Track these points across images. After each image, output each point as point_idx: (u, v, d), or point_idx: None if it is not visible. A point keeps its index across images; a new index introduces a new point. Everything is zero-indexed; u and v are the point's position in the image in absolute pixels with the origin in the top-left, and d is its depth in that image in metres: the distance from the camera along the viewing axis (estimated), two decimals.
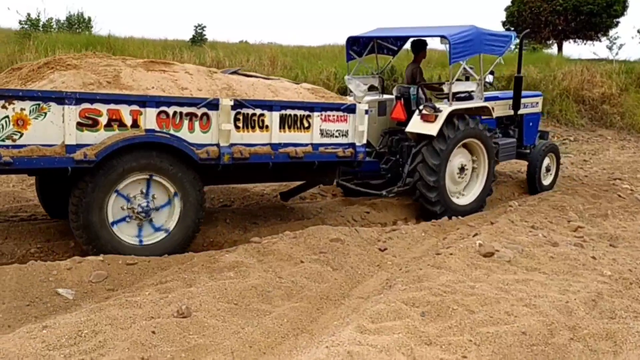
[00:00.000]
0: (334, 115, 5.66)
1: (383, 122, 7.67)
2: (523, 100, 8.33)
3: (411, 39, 7.82)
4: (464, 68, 7.11)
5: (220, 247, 5.47)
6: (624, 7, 35.11)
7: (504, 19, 39.33)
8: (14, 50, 13.61)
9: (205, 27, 21.50)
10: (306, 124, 5.46)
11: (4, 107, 4.03)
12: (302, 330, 3.61)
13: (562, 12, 34.58)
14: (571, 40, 38.20)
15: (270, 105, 5.25)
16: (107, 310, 3.41)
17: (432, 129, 6.56)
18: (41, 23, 20.21)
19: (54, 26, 20.77)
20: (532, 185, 8.34)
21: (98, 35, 19.77)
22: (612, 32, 35.09)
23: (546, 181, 8.50)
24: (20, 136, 4.14)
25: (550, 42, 38.87)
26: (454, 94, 6.98)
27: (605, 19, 34.80)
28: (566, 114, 16.30)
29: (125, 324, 3.29)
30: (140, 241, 4.88)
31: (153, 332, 3.21)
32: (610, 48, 25.88)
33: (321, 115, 5.56)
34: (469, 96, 7.38)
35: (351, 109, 5.79)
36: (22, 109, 4.10)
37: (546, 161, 8.42)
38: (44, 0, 29.16)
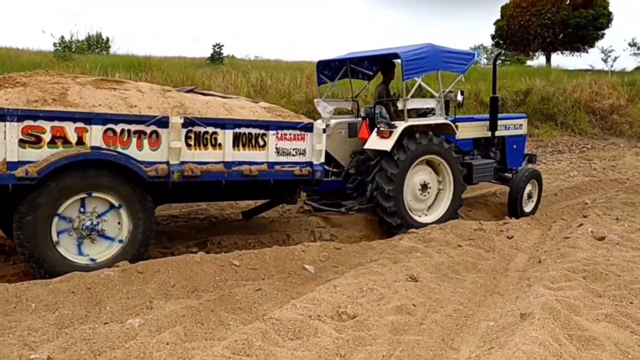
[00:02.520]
0: (290, 134, 5.65)
1: (353, 144, 7.70)
2: (505, 122, 8.33)
3: (383, 61, 7.86)
4: (420, 85, 7.21)
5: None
6: (609, 20, 36.99)
7: (493, 33, 41.33)
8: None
9: (223, 45, 22.28)
10: (261, 142, 5.44)
11: None
12: (492, 292, 4.69)
13: (551, 25, 36.08)
14: (559, 52, 40.23)
15: (223, 124, 5.22)
16: (365, 276, 4.49)
17: (387, 145, 6.61)
18: (74, 46, 21.03)
19: (73, 47, 21.45)
20: (513, 211, 8.06)
21: (134, 55, 20.72)
22: (599, 44, 36.98)
23: (527, 208, 8.25)
24: None
25: (537, 54, 40.83)
26: (412, 111, 7.11)
27: (592, 31, 36.71)
28: (579, 124, 17.67)
29: (384, 283, 4.35)
30: (92, 259, 4.80)
31: (405, 290, 4.28)
32: (605, 60, 27.53)
33: (277, 133, 5.54)
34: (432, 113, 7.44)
35: (308, 128, 5.77)
36: None
37: (528, 188, 8.19)
38: (77, 23, 29.62)
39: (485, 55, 57.60)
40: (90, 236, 4.76)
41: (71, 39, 21.71)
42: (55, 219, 4.56)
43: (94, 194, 4.71)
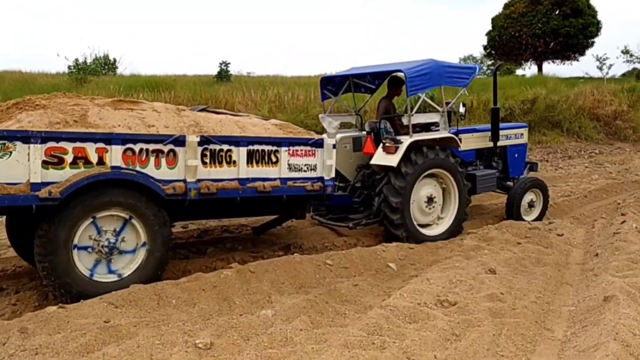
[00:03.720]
0: (301, 150, 5.69)
1: (358, 158, 7.77)
2: (506, 132, 8.37)
3: (390, 76, 7.97)
4: (424, 100, 7.34)
5: None
6: (598, 28, 38.20)
7: (485, 44, 42.38)
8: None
9: (229, 63, 22.54)
10: (274, 159, 5.50)
11: None
12: (561, 282, 5.26)
13: (542, 35, 37.24)
14: (550, 61, 41.35)
15: (237, 141, 5.27)
16: (450, 270, 5.03)
17: (393, 160, 6.68)
18: (90, 68, 21.43)
19: (88, 70, 21.71)
20: (510, 218, 7.98)
21: (148, 75, 21.21)
22: (590, 52, 38.06)
23: (529, 217, 8.16)
24: None
25: (529, 63, 41.90)
26: (416, 125, 7.16)
27: (582, 40, 37.87)
28: (585, 130, 18.43)
29: (469, 276, 4.88)
30: (121, 275, 4.85)
31: (489, 281, 4.82)
32: (600, 68, 28.49)
33: (289, 150, 5.58)
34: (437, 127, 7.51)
35: (319, 144, 5.82)
36: None
37: (529, 196, 8.18)
38: (90, 46, 29.92)
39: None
40: (110, 254, 4.77)
41: (85, 61, 22.08)
42: (76, 238, 4.58)
43: (114, 213, 4.74)
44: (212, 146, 5.12)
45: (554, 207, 8.95)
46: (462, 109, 7.70)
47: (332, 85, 8.24)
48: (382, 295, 4.89)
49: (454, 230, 7.21)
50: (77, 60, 21.93)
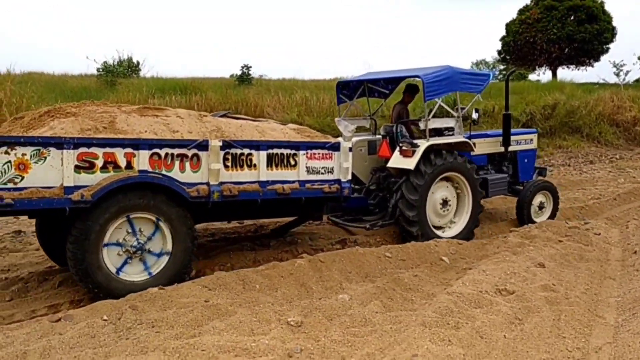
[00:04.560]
0: (319, 153, 5.85)
1: (373, 161, 7.95)
2: (516, 138, 8.55)
3: (406, 82, 8.29)
4: (440, 105, 7.52)
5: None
6: (613, 34, 38.40)
7: (500, 49, 42.68)
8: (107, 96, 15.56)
9: (251, 67, 22.87)
10: (292, 162, 5.66)
11: (6, 152, 4.29)
12: (605, 276, 5.67)
13: (556, 40, 37.56)
14: (564, 66, 41.59)
15: (257, 145, 5.45)
16: (502, 263, 5.45)
17: (410, 164, 6.86)
18: (118, 70, 21.92)
19: (116, 73, 22.12)
20: (521, 221, 8.26)
21: (166, 77, 21.71)
22: (605, 58, 38.24)
23: (540, 218, 8.32)
24: (21, 179, 4.36)
25: (543, 69, 42.14)
26: (431, 129, 7.30)
27: (597, 46, 38.12)
28: (604, 135, 18.74)
29: (521, 269, 5.31)
30: (151, 274, 5.06)
31: (541, 273, 5.24)
32: (617, 74, 28.74)
33: (307, 153, 5.75)
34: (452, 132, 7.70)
35: (335, 147, 5.98)
36: (23, 154, 4.34)
37: (539, 199, 8.35)
38: (118, 49, 30.21)
39: (487, 70, 58.96)
40: (138, 254, 4.99)
41: (114, 64, 22.59)
42: (106, 238, 4.81)
43: (142, 215, 4.95)
44: (233, 150, 5.32)
45: (585, 209, 9.33)
46: (475, 115, 7.88)
47: (347, 89, 8.50)
48: (441, 285, 5.32)
49: (466, 235, 7.34)
50: (105, 63, 22.48)
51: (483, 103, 19.50)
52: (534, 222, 8.08)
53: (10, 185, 4.31)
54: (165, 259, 5.10)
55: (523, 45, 38.91)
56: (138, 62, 25.49)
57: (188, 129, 5.30)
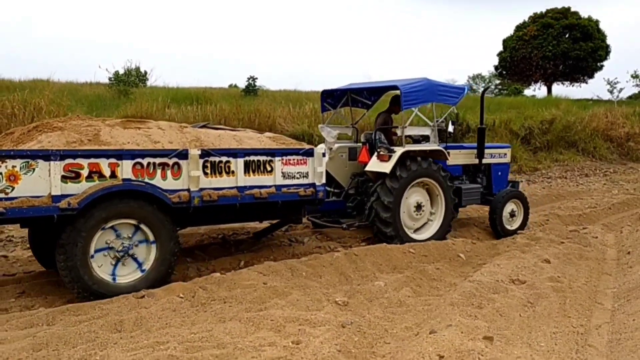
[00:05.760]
0: (294, 159, 6.14)
1: (353, 166, 8.28)
2: (490, 151, 8.94)
3: (393, 94, 8.55)
4: (418, 115, 7.88)
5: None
6: (607, 52, 39.55)
7: (496, 64, 43.75)
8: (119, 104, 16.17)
9: (257, 78, 23.58)
10: (269, 168, 5.96)
11: None
12: (602, 272, 6.43)
13: (552, 57, 38.69)
14: (559, 82, 42.70)
15: (235, 153, 5.74)
16: (512, 259, 6.22)
17: (386, 167, 7.24)
18: (131, 79, 22.54)
19: (128, 82, 22.67)
20: (494, 228, 8.65)
21: (171, 87, 22.35)
22: (598, 75, 39.30)
23: (512, 225, 8.72)
24: (12, 190, 4.60)
25: (538, 84, 43.23)
26: (409, 138, 7.78)
27: (591, 63, 39.26)
28: (599, 150, 19.62)
29: (529, 264, 6.07)
30: (114, 278, 5.20)
31: (547, 268, 6.01)
32: (611, 92, 29.74)
33: (282, 159, 6.05)
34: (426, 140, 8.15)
35: (309, 153, 6.28)
36: (13, 166, 4.59)
37: (510, 207, 8.69)
38: (131, 60, 30.57)
39: (483, 84, 60.26)
40: (124, 257, 5.23)
41: (125, 73, 23.21)
42: (94, 243, 5.04)
43: (126, 221, 5.20)
44: (212, 158, 5.61)
45: (583, 216, 10.14)
46: (450, 128, 8.16)
47: (331, 98, 8.82)
48: (460, 277, 6.07)
49: (438, 238, 7.64)
50: (117, 72, 23.10)
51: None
52: (506, 229, 8.59)
53: (2, 195, 4.56)
54: (149, 261, 5.37)
55: (519, 61, 39.99)
56: (145, 72, 26.21)
57: (169, 139, 5.61)
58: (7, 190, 4.59)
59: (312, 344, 3.91)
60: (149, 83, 25.79)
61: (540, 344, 4.21)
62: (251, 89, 24.12)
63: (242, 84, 24.54)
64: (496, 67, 43.96)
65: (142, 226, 5.29)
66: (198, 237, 7.63)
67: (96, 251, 5.09)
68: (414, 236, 7.59)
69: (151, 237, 5.34)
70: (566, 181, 15.94)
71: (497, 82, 53.72)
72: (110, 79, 22.79)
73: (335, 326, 4.32)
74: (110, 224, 5.13)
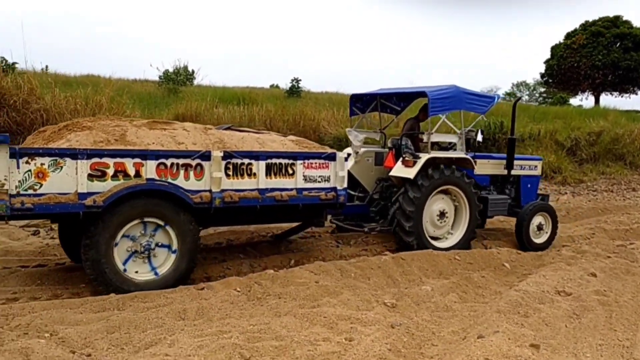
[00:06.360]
0: (316, 163, 6.19)
1: (379, 171, 8.28)
2: (520, 162, 8.84)
3: (423, 102, 8.19)
4: (445, 122, 7.85)
5: None
6: None
7: (542, 71, 42.96)
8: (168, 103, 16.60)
9: (300, 80, 23.84)
10: (290, 171, 6.01)
11: (27, 162, 4.73)
12: None
13: (601, 66, 37.83)
14: (608, 93, 41.63)
15: (257, 156, 5.82)
16: (559, 271, 6.29)
17: (411, 173, 7.25)
18: (180, 78, 23.13)
19: (177, 81, 23.22)
20: (520, 241, 8.45)
21: (217, 86, 22.82)
22: None
23: (538, 239, 8.52)
24: (40, 186, 4.79)
25: (586, 94, 42.24)
26: (436, 145, 7.79)
27: None
28: None
29: (575, 276, 6.12)
30: (157, 274, 5.42)
31: (594, 281, 6.06)
32: None
33: (304, 163, 6.10)
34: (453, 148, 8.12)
35: (332, 157, 6.31)
36: (42, 164, 4.79)
37: (537, 219, 8.49)
38: (179, 59, 31.38)
39: (528, 92, 59.21)
40: (146, 255, 5.39)
41: (175, 72, 23.91)
42: (118, 240, 5.21)
43: (149, 219, 5.35)
44: (234, 160, 5.70)
45: (630, 232, 9.99)
46: (479, 137, 8.10)
47: (360, 102, 8.86)
48: (505, 285, 6.18)
49: (462, 247, 7.57)
50: (167, 71, 23.82)
51: (529, 126, 20.22)
52: (532, 242, 8.37)
53: (30, 191, 4.76)
54: (170, 260, 5.51)
55: (567, 69, 39.21)
56: (193, 71, 26.93)
57: (193, 140, 5.73)
58: (36, 187, 4.79)
59: (363, 342, 4.13)
60: (195, 82, 26.55)
61: (586, 355, 4.32)
62: (295, 91, 24.44)
63: (282, 84, 24.91)
64: (542, 75, 43.24)
65: (165, 226, 5.43)
66: (249, 235, 7.94)
67: (119, 247, 5.25)
68: (437, 244, 7.55)
69: (173, 237, 5.47)
70: (612, 195, 15.65)
71: (542, 90, 52.80)
72: (160, 77, 23.55)
73: (385, 326, 4.53)
74: (134, 222, 5.28)
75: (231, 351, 3.78)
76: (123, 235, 5.25)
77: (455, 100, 7.64)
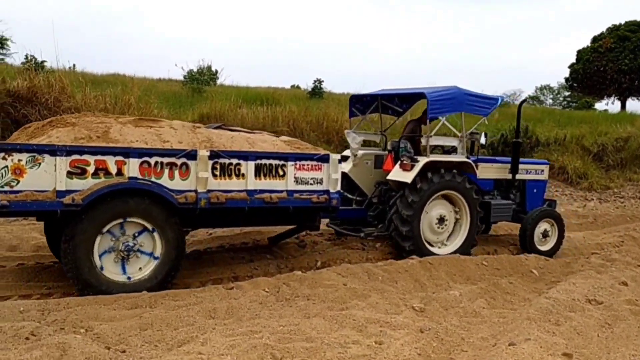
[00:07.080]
0: (308, 165, 6.00)
1: (378, 174, 8.01)
2: (526, 167, 8.57)
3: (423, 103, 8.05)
4: (445, 124, 7.55)
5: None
6: None
7: (567, 76, 42.37)
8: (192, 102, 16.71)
9: (323, 81, 23.81)
10: (281, 172, 5.84)
11: (4, 158, 4.62)
12: None
13: (628, 71, 37.18)
14: (634, 98, 40.88)
15: (245, 156, 5.66)
16: (589, 279, 6.20)
17: (408, 177, 7.02)
18: (204, 78, 23.29)
19: (202, 80, 23.35)
20: (523, 247, 8.19)
21: (252, 87, 22.93)
22: None
23: (543, 247, 8.22)
24: (17, 183, 4.67)
25: (612, 98, 41.55)
26: (436, 148, 7.54)
27: None
28: None
29: (606, 285, 6.01)
30: (129, 277, 5.27)
31: (619, 290, 5.96)
32: None
33: (295, 164, 5.92)
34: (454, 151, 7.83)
35: (325, 159, 6.12)
36: (19, 160, 4.66)
37: (543, 226, 8.22)
38: (203, 59, 31.60)
39: (552, 96, 58.37)
40: (127, 256, 5.24)
41: (199, 71, 24.12)
42: (97, 240, 5.07)
43: (131, 219, 5.21)
44: (222, 160, 5.54)
45: None
46: (483, 140, 7.90)
47: (360, 104, 8.58)
48: (533, 292, 6.11)
49: (462, 253, 7.23)
50: (191, 70, 24.05)
51: (554, 131, 19.96)
52: (537, 250, 8.05)
53: (6, 188, 4.65)
54: (154, 262, 5.37)
55: (593, 73, 38.63)
56: (216, 71, 27.13)
57: (179, 139, 5.58)
58: (12, 184, 4.68)
59: (393, 346, 4.13)
60: (218, 82, 26.75)
61: None
62: (317, 92, 24.49)
63: (303, 85, 24.96)
64: (567, 79, 42.65)
65: (148, 226, 5.30)
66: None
67: (100, 246, 5.12)
68: (435, 250, 7.33)
69: (157, 237, 5.34)
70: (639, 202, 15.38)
71: (567, 94, 52.04)
72: (184, 76, 23.79)
73: (414, 330, 4.51)
74: (115, 222, 5.15)
75: (263, 351, 3.81)
76: (103, 235, 5.13)
77: (456, 101, 7.39)
